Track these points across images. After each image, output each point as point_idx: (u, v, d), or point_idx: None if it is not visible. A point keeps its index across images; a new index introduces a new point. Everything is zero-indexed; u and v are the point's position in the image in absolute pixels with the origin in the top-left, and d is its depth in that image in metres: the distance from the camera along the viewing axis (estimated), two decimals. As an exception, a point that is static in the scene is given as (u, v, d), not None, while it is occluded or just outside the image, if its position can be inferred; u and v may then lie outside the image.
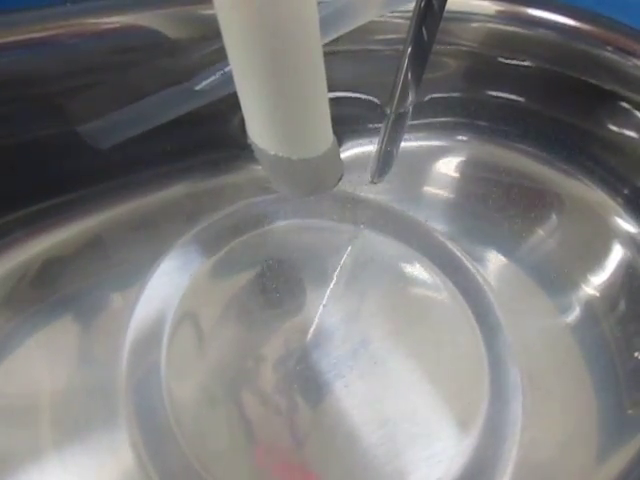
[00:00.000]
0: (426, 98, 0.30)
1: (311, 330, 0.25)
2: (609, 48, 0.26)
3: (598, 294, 0.26)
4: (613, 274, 0.27)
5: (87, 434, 0.21)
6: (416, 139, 0.31)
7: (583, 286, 0.27)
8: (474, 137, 0.32)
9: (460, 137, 0.32)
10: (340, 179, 0.22)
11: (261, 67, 0.14)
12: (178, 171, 0.28)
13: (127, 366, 0.23)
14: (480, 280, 0.27)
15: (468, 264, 0.28)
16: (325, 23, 0.22)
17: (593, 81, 0.27)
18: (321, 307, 0.26)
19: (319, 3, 0.22)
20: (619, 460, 0.22)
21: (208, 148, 0.29)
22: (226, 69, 0.24)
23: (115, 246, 0.26)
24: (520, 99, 0.30)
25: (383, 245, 0.28)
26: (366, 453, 0.22)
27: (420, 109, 0.29)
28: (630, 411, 0.23)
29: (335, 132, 0.18)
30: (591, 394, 0.24)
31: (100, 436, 0.21)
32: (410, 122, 0.24)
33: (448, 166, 0.32)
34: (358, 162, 0.30)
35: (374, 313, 0.26)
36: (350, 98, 0.30)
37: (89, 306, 0.24)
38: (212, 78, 0.24)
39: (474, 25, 0.27)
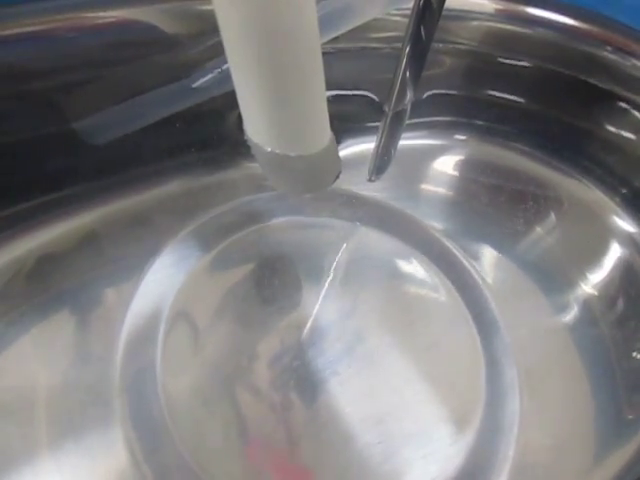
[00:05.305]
0: (424, 97, 0.30)
1: (307, 327, 0.25)
2: (608, 48, 0.26)
3: (596, 293, 0.26)
4: (611, 273, 0.27)
5: (82, 431, 0.21)
6: (414, 137, 0.31)
7: (581, 285, 0.27)
8: (472, 136, 0.32)
9: (458, 136, 0.32)
10: (338, 177, 0.22)
11: (259, 64, 0.14)
12: (174, 168, 0.28)
13: (122, 363, 0.23)
14: (477, 278, 0.27)
15: (465, 262, 0.28)
16: (325, 22, 0.22)
17: (592, 81, 0.27)
18: (317, 304, 0.25)
19: (319, 1, 0.22)
20: (616, 461, 0.22)
21: (205, 145, 0.28)
22: (224, 67, 0.24)
23: (110, 242, 0.26)
24: (518, 98, 0.30)
25: (380, 243, 0.28)
26: (362, 452, 0.22)
27: (418, 108, 0.29)
28: (628, 411, 0.23)
29: (333, 129, 0.18)
30: (588, 394, 0.24)
31: (95, 433, 0.21)
32: (408, 120, 0.24)
33: (446, 165, 0.32)
34: (356, 160, 0.30)
35: (370, 311, 0.26)
36: (348, 95, 0.30)
37: (84, 303, 0.24)
38: (210, 76, 0.24)
39: (473, 24, 0.27)
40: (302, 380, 0.23)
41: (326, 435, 0.22)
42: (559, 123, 0.30)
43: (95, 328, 0.24)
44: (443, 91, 0.31)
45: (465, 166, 0.32)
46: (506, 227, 0.29)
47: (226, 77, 0.23)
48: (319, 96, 0.16)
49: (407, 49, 0.20)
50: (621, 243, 0.27)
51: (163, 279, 0.25)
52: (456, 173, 0.31)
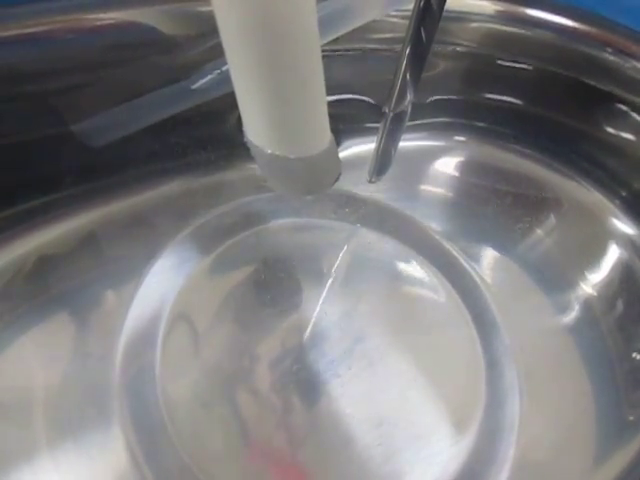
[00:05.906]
0: (424, 98, 0.30)
1: (307, 329, 0.25)
2: (608, 50, 0.26)
3: (596, 294, 0.26)
4: (610, 274, 0.27)
5: (81, 433, 0.21)
6: (414, 139, 0.31)
7: (581, 286, 0.27)
8: (472, 138, 0.32)
9: (458, 137, 0.32)
10: (338, 178, 0.22)
11: (258, 65, 0.14)
12: (174, 169, 0.28)
13: (122, 365, 0.23)
14: (477, 279, 0.27)
15: (465, 264, 0.28)
16: (325, 23, 0.22)
17: (591, 82, 0.27)
18: (317, 306, 0.25)
19: (319, 3, 0.22)
20: (617, 462, 0.22)
21: (204, 146, 0.28)
22: (223, 68, 0.24)
23: (110, 244, 0.26)
24: (518, 100, 0.30)
25: (380, 244, 0.28)
26: (362, 453, 0.22)
27: (418, 109, 0.29)
28: (628, 412, 0.23)
29: (333, 131, 0.18)
30: (589, 395, 0.24)
31: (94, 435, 0.21)
32: (408, 122, 0.24)
33: (446, 166, 0.32)
34: (356, 161, 0.30)
35: (371, 312, 0.26)
36: (348, 97, 0.30)
37: (83, 304, 0.24)
38: (209, 77, 0.24)
39: (473, 25, 0.27)
40: (302, 382, 0.23)
41: (326, 437, 0.22)
42: (559, 125, 0.30)
43: (95, 329, 0.24)
44: (443, 92, 0.31)
45: (465, 167, 0.32)
46: (506, 228, 0.29)
47: (225, 78, 0.23)
48: (319, 98, 0.16)
49: (407, 50, 0.20)
50: (620, 245, 0.27)
51: (163, 281, 0.25)
52: (456, 174, 0.31)
